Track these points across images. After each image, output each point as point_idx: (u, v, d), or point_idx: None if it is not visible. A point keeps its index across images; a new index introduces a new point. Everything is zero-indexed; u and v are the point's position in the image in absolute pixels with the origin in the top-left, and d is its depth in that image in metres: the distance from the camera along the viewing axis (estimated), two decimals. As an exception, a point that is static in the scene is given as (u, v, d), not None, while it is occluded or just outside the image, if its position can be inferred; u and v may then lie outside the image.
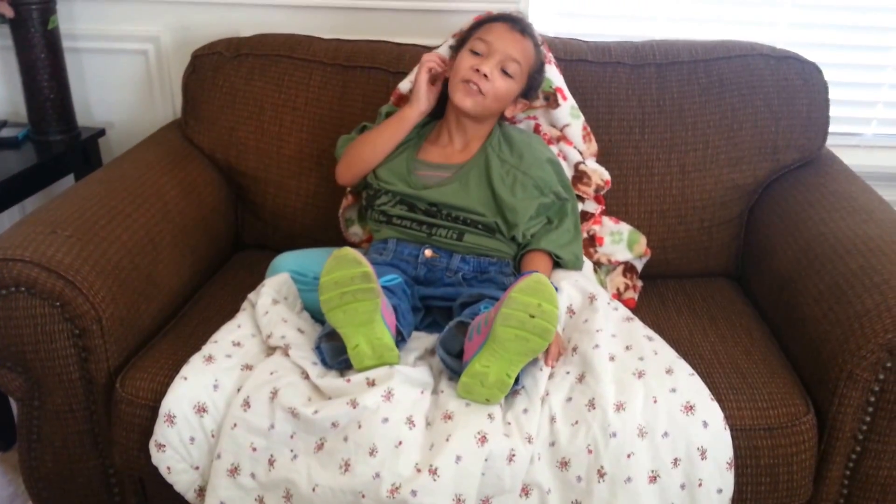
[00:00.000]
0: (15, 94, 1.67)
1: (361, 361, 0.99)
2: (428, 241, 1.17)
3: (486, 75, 1.15)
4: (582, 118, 1.33)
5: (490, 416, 0.96)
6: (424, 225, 1.18)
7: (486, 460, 0.93)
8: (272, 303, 1.12)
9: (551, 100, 1.32)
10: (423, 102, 1.21)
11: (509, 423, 0.97)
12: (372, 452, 0.93)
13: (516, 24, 1.20)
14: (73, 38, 1.63)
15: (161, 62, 1.66)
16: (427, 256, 1.15)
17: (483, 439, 0.93)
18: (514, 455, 0.94)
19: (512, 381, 0.96)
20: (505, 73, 1.17)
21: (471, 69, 1.16)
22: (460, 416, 0.96)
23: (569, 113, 1.32)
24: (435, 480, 0.91)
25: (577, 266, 1.22)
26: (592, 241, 1.33)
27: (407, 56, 1.41)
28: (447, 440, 0.93)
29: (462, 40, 1.23)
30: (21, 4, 1.46)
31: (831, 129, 1.41)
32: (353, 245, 1.37)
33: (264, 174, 1.43)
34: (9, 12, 1.45)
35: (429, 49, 1.38)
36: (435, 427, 0.96)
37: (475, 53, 1.17)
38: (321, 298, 0.97)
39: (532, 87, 1.24)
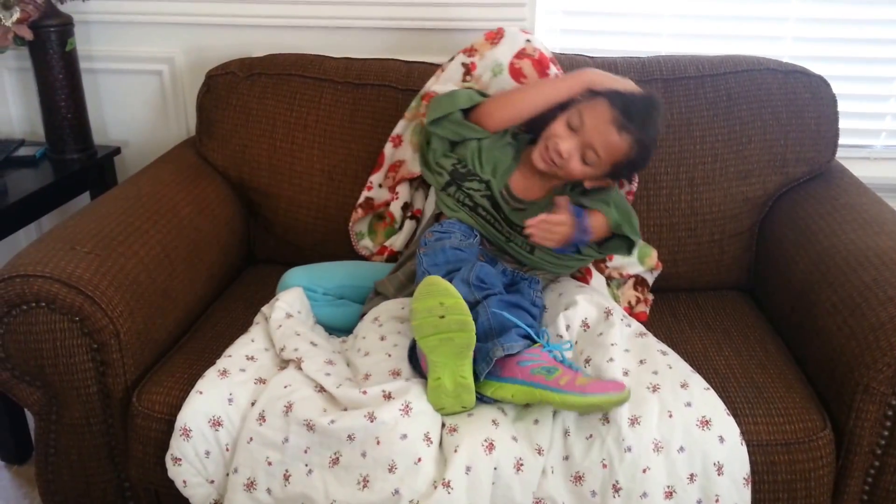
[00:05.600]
0: (33, 113, 1.70)
1: (439, 399, 0.97)
2: (505, 246, 1.19)
3: (563, 155, 1.14)
4: None
5: (494, 423, 0.96)
6: (505, 230, 1.20)
7: (495, 469, 0.93)
8: (286, 316, 1.13)
9: None
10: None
11: (516, 435, 0.97)
12: (391, 469, 0.93)
13: (618, 116, 1.11)
14: (90, 59, 1.66)
15: (175, 82, 1.69)
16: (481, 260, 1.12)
17: (490, 446, 0.94)
18: (521, 464, 0.94)
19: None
20: (583, 158, 1.14)
21: (554, 142, 1.14)
22: (464, 426, 0.96)
23: None
24: (449, 493, 0.91)
25: (626, 232, 1.16)
26: (603, 255, 1.33)
27: (415, 73, 1.43)
28: (455, 451, 0.93)
29: (572, 100, 1.17)
30: (40, 27, 1.50)
31: (841, 141, 1.42)
32: (363, 258, 1.38)
33: (276, 190, 1.44)
34: (28, 35, 1.48)
35: (437, 66, 1.40)
36: (443, 441, 0.96)
37: (568, 125, 1.15)
38: (413, 324, 0.96)
39: (614, 175, 1.19)
